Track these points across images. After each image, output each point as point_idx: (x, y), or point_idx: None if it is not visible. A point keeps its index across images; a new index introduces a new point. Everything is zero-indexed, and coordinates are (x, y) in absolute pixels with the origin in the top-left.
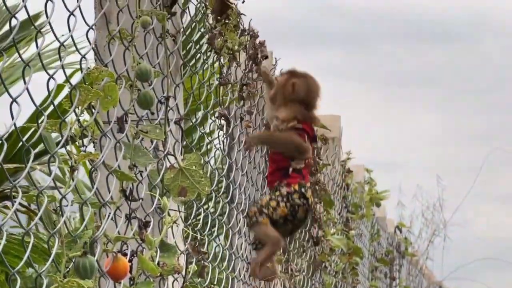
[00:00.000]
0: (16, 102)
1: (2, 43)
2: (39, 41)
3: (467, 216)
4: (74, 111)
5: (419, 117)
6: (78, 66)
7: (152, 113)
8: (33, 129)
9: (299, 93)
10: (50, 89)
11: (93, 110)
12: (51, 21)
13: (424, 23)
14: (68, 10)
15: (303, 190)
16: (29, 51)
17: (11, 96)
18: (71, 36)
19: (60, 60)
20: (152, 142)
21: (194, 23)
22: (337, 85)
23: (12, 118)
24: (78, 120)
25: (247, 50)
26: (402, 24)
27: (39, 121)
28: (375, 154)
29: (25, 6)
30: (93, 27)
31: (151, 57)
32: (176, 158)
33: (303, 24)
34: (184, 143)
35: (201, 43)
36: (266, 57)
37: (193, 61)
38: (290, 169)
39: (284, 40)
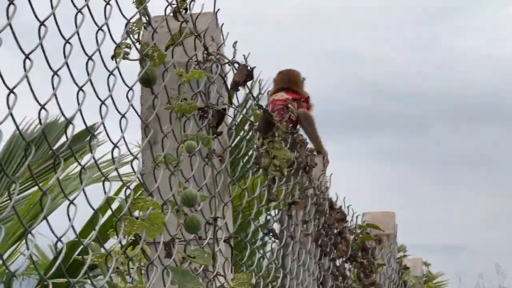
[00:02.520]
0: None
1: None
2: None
3: None
4: (120, 242)
5: (475, 199)
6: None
7: (200, 237)
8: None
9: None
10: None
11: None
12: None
13: (475, 102)
14: (112, 143)
15: None
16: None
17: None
18: (116, 169)
19: (105, 193)
20: None
21: (242, 139)
22: (393, 169)
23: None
24: (124, 252)
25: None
26: (452, 104)
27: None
28: (435, 237)
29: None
30: (139, 156)
31: (198, 178)
32: (225, 278)
33: (354, 107)
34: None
35: (247, 159)
36: (315, 165)
37: (241, 176)
38: None
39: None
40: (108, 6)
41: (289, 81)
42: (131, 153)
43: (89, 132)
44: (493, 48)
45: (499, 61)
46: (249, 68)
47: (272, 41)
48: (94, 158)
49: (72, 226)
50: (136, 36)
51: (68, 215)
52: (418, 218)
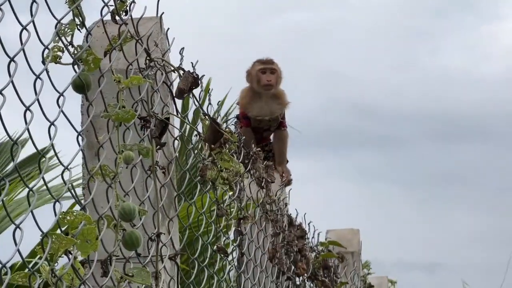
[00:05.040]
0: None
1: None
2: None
3: None
4: (47, 259)
5: (457, 217)
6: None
7: (139, 255)
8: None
9: None
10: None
11: (70, 256)
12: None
13: (454, 121)
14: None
15: None
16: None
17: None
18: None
19: (30, 205)
20: None
21: (189, 151)
22: (374, 187)
23: None
24: (52, 270)
25: (254, 173)
26: (431, 123)
27: None
28: (415, 255)
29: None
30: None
31: (142, 192)
32: None
33: (336, 126)
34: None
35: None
36: (273, 180)
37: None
38: None
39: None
40: (34, 4)
41: None
42: (61, 164)
43: (39, 153)
44: (472, 67)
45: (477, 80)
46: (194, 75)
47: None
48: (43, 179)
49: (18, 250)
50: (69, 38)
51: (14, 239)
52: (394, 236)
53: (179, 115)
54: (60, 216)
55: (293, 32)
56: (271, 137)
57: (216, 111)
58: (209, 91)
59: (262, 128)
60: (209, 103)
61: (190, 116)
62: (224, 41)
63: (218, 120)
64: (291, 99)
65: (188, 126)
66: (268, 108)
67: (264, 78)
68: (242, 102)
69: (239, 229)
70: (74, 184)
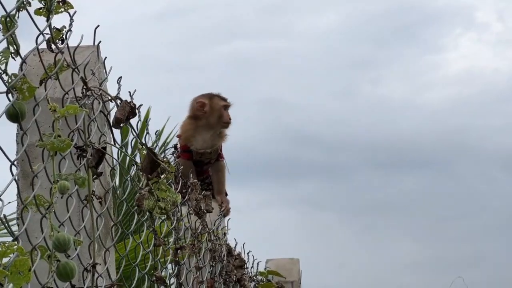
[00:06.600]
0: None
1: None
2: None
3: None
4: None
5: (397, 245)
6: None
7: (73, 286)
8: None
9: None
10: None
11: None
12: None
13: (397, 149)
14: None
15: None
16: None
17: None
18: None
19: None
20: None
21: (126, 181)
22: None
23: None
24: None
25: (191, 203)
26: (374, 151)
27: None
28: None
29: None
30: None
31: (77, 222)
32: None
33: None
34: None
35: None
36: (210, 211)
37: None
38: None
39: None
40: None
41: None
42: None
43: None
44: (413, 96)
45: (418, 109)
46: (132, 104)
47: (196, 90)
48: None
49: None
50: (3, 67)
51: None
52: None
53: (116, 145)
54: None
55: (235, 60)
56: (209, 169)
57: (154, 142)
58: (147, 120)
59: (203, 161)
60: (147, 133)
61: (130, 145)
62: (165, 69)
63: (157, 150)
64: (233, 127)
65: (127, 157)
66: (210, 141)
67: (226, 116)
68: (185, 136)
69: (176, 259)
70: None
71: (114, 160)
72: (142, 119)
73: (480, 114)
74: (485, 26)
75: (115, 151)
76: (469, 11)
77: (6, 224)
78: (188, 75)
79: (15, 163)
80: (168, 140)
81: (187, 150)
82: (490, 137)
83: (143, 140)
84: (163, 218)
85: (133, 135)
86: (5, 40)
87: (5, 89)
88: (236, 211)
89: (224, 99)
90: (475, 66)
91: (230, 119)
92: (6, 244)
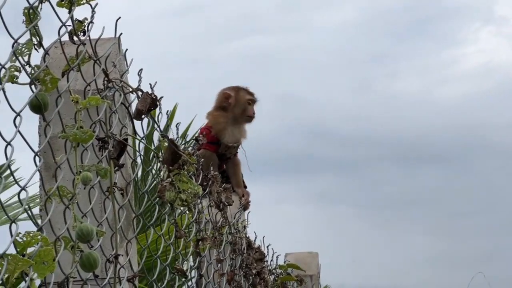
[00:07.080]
0: None
1: None
2: None
3: None
4: (2, 281)
5: (414, 239)
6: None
7: (97, 276)
8: None
9: None
10: None
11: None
12: None
13: (414, 144)
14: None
15: None
16: None
17: None
18: None
19: None
20: None
21: (147, 172)
22: (333, 210)
23: None
24: None
25: (212, 195)
26: (391, 146)
27: None
28: (373, 279)
29: None
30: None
31: (99, 213)
32: None
33: (294, 150)
34: None
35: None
36: (231, 203)
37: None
38: None
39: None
40: None
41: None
42: (18, 184)
43: None
44: (430, 91)
45: (435, 104)
46: (153, 96)
47: (214, 84)
48: None
49: None
50: (26, 58)
51: None
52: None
53: (137, 136)
54: (17, 237)
55: (253, 55)
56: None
57: (182, 136)
58: (167, 113)
59: (225, 155)
60: (168, 125)
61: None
62: (184, 63)
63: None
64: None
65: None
66: (239, 135)
67: (251, 110)
68: (218, 128)
69: (198, 250)
70: (31, 204)
71: (136, 152)
72: (169, 114)
73: (498, 108)
74: (505, 20)
75: (137, 142)
76: (488, 4)
77: (31, 214)
78: (206, 69)
79: (38, 153)
80: (187, 133)
81: (215, 142)
82: (509, 131)
83: (168, 134)
84: (184, 210)
85: (155, 127)
86: (28, 32)
87: (28, 80)
88: (255, 204)
89: (251, 94)
90: (494, 60)
91: (254, 113)
92: (31, 234)
